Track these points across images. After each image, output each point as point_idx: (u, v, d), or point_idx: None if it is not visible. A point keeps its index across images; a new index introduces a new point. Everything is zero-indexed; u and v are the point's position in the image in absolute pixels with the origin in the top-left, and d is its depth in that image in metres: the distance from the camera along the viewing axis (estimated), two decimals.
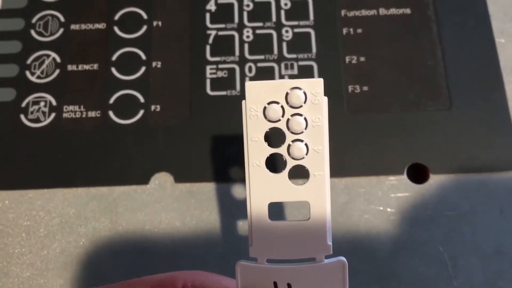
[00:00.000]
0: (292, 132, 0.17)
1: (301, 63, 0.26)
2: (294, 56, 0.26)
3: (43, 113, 0.26)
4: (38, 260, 0.23)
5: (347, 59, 0.26)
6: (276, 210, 0.22)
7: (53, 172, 0.25)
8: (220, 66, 0.26)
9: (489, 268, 0.23)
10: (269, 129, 0.17)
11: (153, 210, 0.24)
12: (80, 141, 0.25)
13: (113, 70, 0.26)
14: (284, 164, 0.17)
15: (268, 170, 0.17)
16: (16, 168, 0.25)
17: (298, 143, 0.17)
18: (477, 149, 0.24)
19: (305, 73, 0.26)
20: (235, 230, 0.23)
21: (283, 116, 0.17)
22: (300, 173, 0.16)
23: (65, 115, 0.26)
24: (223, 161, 0.25)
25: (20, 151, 0.25)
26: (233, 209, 0.24)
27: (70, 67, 0.27)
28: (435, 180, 0.24)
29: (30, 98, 0.26)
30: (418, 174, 0.24)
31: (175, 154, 0.25)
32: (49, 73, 0.26)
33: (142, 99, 0.26)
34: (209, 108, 0.26)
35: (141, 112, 0.26)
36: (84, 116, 0.26)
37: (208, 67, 0.26)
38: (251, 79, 0.26)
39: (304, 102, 0.17)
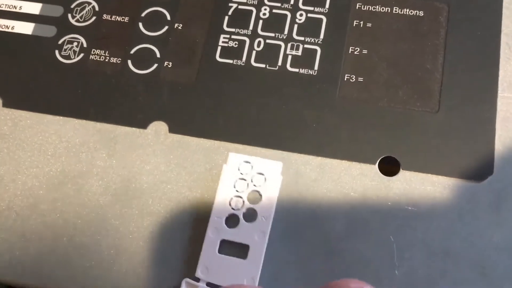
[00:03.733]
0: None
1: (306, 46, 0.28)
2: (301, 38, 0.28)
3: (74, 52, 0.29)
4: (41, 175, 0.27)
5: (351, 49, 0.27)
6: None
7: (70, 103, 0.28)
8: (233, 36, 0.29)
9: (433, 266, 0.23)
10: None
11: (145, 151, 0.27)
12: (99, 82, 0.28)
13: (140, 25, 0.29)
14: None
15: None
16: (42, 94, 0.28)
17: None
18: (453, 155, 0.25)
19: (308, 55, 0.28)
20: (209, 184, 0.26)
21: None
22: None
23: (91, 57, 0.29)
24: (217, 121, 0.27)
25: (49, 81, 0.29)
26: (214, 166, 0.26)
27: (105, 16, 0.30)
28: (404, 175, 0.25)
29: (67, 37, 0.30)
30: (389, 168, 0.25)
31: (175, 107, 0.27)
32: (86, 18, 0.30)
33: (158, 54, 0.29)
34: (214, 72, 0.28)
35: (155, 65, 0.28)
36: (107, 60, 0.29)
37: (222, 36, 0.29)
38: (258, 53, 0.28)
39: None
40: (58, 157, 0.27)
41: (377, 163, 0.25)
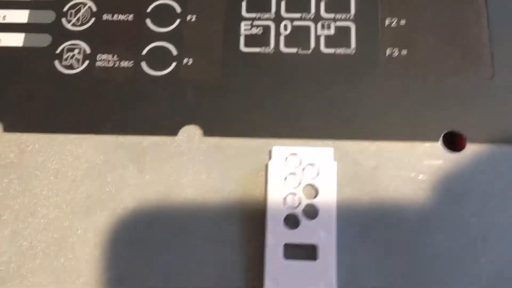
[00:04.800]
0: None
1: (338, 23, 0.25)
2: (331, 16, 0.26)
3: (77, 60, 0.26)
4: (64, 203, 0.23)
5: (387, 21, 0.25)
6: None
7: (83, 118, 0.25)
8: (255, 23, 0.26)
9: None
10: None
11: (180, 161, 0.24)
12: (111, 90, 0.25)
13: (148, 21, 0.26)
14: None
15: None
16: (47, 112, 0.25)
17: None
18: None
19: (342, 33, 0.25)
20: (258, 186, 0.23)
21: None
22: None
23: (98, 63, 0.26)
24: (252, 117, 0.24)
25: (52, 96, 0.25)
26: (260, 166, 0.23)
27: (105, 17, 0.26)
28: (471, 149, 0.23)
29: (65, 44, 0.26)
30: (454, 143, 0.23)
31: (205, 107, 0.25)
32: (84, 21, 0.26)
33: (175, 52, 0.26)
34: (242, 64, 0.25)
35: (173, 64, 0.25)
36: (116, 65, 0.26)
37: (243, 23, 0.26)
38: (287, 37, 0.25)
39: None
40: (81, 181, 0.24)
41: (440, 140, 0.23)
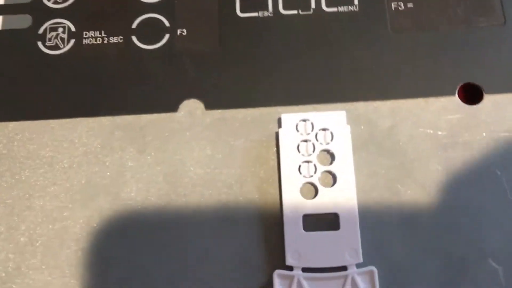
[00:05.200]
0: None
1: None
2: None
3: (62, 39, 0.24)
4: (62, 192, 0.22)
5: None
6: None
7: (75, 101, 0.23)
8: None
9: None
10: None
11: (182, 138, 0.22)
12: (102, 69, 0.23)
13: None
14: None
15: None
16: (35, 97, 0.23)
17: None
18: None
19: None
20: (270, 157, 0.22)
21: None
22: None
23: (85, 41, 0.24)
24: (255, 85, 0.23)
25: (39, 80, 0.23)
26: (269, 136, 0.22)
27: None
28: (489, 100, 0.22)
29: (48, 24, 0.24)
30: (471, 95, 0.22)
31: (205, 80, 0.23)
32: None
33: (167, 23, 0.24)
34: (239, 31, 0.24)
35: (167, 36, 0.24)
36: (105, 42, 0.24)
37: None
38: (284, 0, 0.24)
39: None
40: (78, 167, 0.22)
41: (456, 93, 0.22)
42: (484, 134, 0.21)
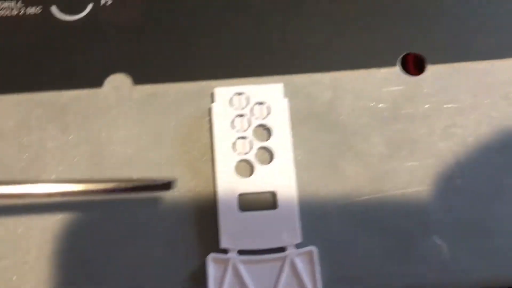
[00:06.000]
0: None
1: None
2: None
3: None
4: None
5: None
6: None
7: None
8: None
9: (495, 162, 0.20)
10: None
11: (108, 116, 0.20)
12: (19, 42, 0.21)
13: None
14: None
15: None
16: None
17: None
18: (478, 35, 0.21)
19: None
20: (202, 134, 0.20)
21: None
22: None
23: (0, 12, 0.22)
24: (187, 58, 0.21)
25: None
26: (203, 112, 0.21)
27: None
28: (432, 70, 0.21)
29: None
30: (413, 65, 0.21)
31: (132, 52, 0.21)
32: None
33: None
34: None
35: (90, 6, 0.22)
36: (22, 13, 0.22)
37: None
38: None
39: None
40: None
41: (398, 64, 0.21)
42: (427, 106, 0.21)
